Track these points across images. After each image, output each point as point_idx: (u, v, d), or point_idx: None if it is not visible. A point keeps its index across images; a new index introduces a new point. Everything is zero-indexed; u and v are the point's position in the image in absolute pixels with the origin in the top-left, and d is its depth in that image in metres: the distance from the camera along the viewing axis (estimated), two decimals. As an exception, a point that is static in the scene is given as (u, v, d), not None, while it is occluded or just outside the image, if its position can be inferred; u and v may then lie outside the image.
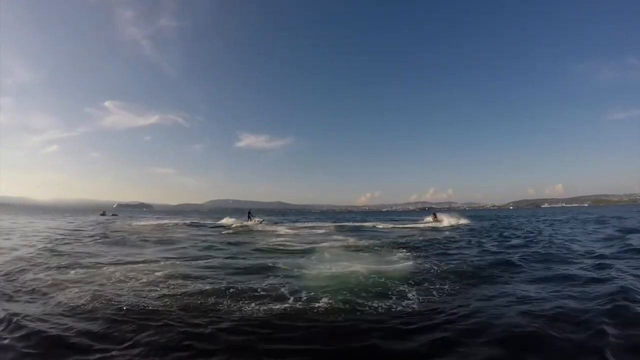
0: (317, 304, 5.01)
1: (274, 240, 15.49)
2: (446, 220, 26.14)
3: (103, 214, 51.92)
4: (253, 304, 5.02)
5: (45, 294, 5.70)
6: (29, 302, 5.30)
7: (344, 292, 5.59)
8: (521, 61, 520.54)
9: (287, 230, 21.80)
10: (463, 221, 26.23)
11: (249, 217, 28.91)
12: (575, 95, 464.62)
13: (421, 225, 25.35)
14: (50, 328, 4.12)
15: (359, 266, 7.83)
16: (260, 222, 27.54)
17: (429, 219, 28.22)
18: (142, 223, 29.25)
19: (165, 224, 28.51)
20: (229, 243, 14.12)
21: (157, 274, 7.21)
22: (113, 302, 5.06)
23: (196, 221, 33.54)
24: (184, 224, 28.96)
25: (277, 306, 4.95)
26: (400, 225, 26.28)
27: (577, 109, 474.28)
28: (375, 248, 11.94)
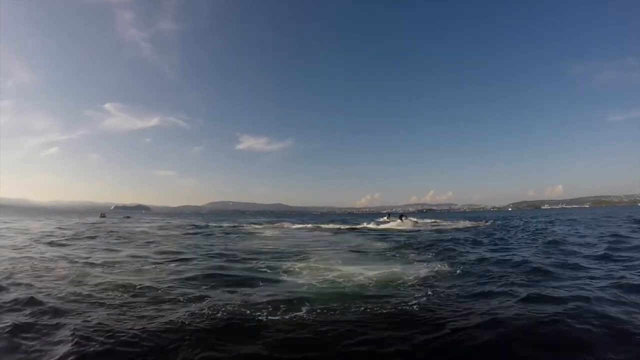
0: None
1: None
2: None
3: (103, 216, 52.12)
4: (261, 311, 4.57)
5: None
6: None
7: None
8: (520, 62, 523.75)
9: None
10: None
11: (400, 218, 30.62)
12: (574, 96, 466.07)
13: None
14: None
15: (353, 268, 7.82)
16: (415, 223, 28.25)
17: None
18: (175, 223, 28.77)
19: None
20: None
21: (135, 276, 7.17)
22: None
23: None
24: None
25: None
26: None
27: (576, 110, 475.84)
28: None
